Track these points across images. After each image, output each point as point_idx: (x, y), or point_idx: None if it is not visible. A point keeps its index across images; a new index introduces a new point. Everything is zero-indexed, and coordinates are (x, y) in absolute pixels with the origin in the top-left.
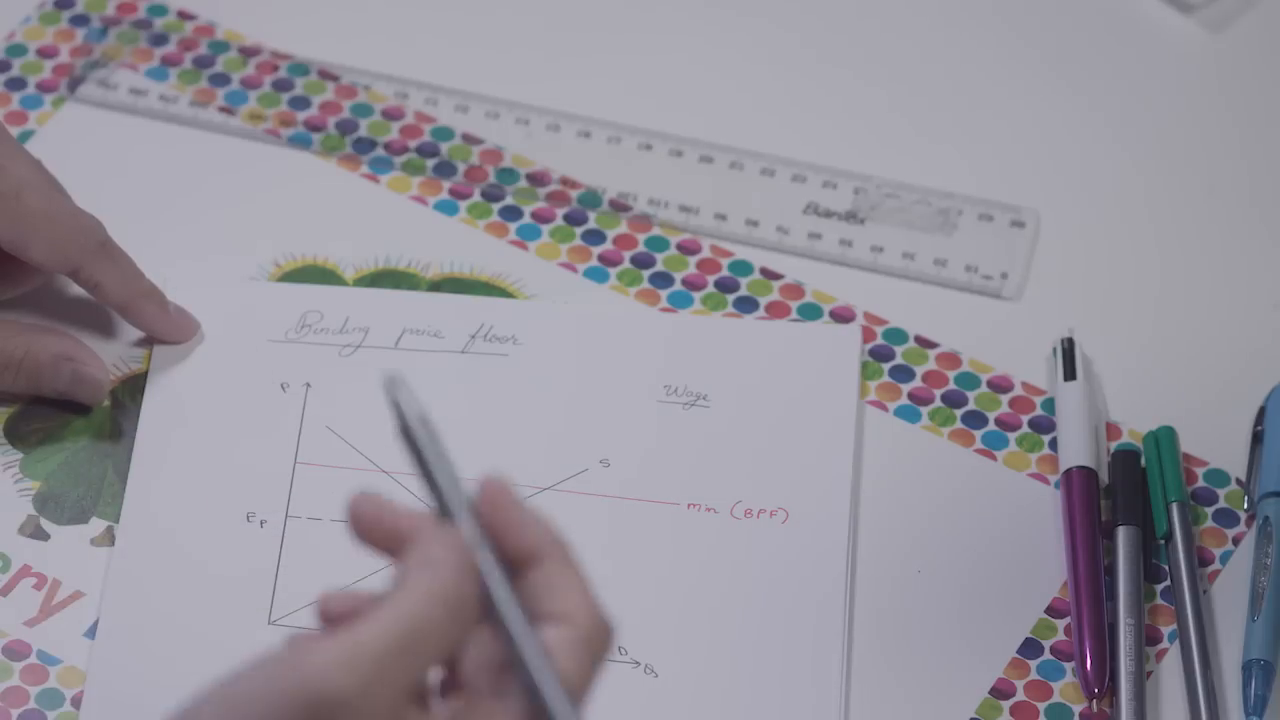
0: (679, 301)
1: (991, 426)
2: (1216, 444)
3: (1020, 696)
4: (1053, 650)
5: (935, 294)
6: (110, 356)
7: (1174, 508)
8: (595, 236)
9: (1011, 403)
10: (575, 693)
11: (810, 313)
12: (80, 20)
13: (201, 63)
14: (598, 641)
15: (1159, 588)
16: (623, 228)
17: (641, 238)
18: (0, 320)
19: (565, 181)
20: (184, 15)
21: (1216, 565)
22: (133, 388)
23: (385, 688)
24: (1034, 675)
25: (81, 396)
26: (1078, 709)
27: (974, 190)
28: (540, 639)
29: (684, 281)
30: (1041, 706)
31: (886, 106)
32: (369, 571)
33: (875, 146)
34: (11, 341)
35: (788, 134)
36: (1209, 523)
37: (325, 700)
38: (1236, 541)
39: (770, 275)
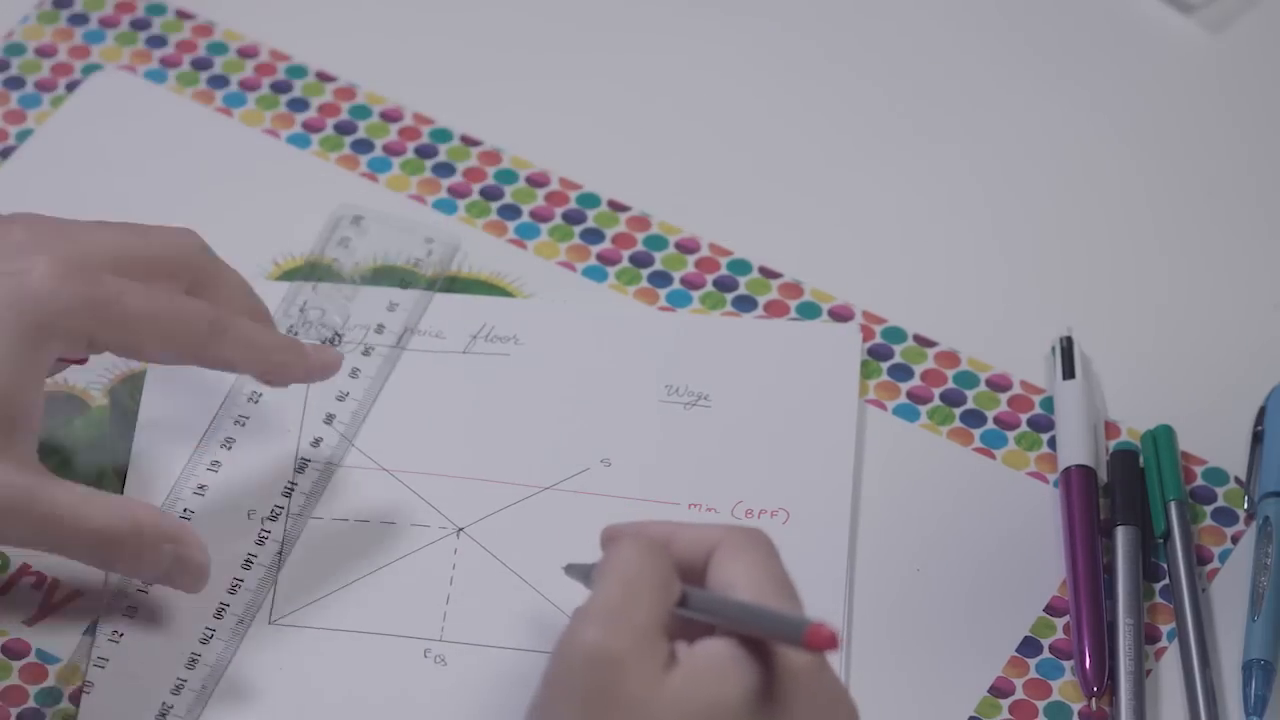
0: (677, 300)
1: (990, 425)
2: (1215, 443)
3: (1019, 695)
4: (1052, 649)
5: (934, 291)
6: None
7: (1172, 506)
8: (594, 235)
9: (1010, 401)
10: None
11: (809, 311)
12: (79, 19)
13: (200, 64)
14: (745, 537)
15: (1158, 586)
16: (621, 226)
17: (640, 236)
18: (95, 492)
19: (564, 182)
20: (182, 15)
21: (1215, 564)
22: (132, 387)
23: (621, 629)
24: (1033, 674)
25: (182, 584)
26: (1077, 708)
27: (978, 188)
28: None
29: (682, 280)
30: (1041, 705)
31: (886, 106)
32: (368, 570)
33: (874, 144)
34: (116, 515)
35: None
36: (1208, 521)
37: (588, 654)
38: (1235, 540)
39: (769, 274)
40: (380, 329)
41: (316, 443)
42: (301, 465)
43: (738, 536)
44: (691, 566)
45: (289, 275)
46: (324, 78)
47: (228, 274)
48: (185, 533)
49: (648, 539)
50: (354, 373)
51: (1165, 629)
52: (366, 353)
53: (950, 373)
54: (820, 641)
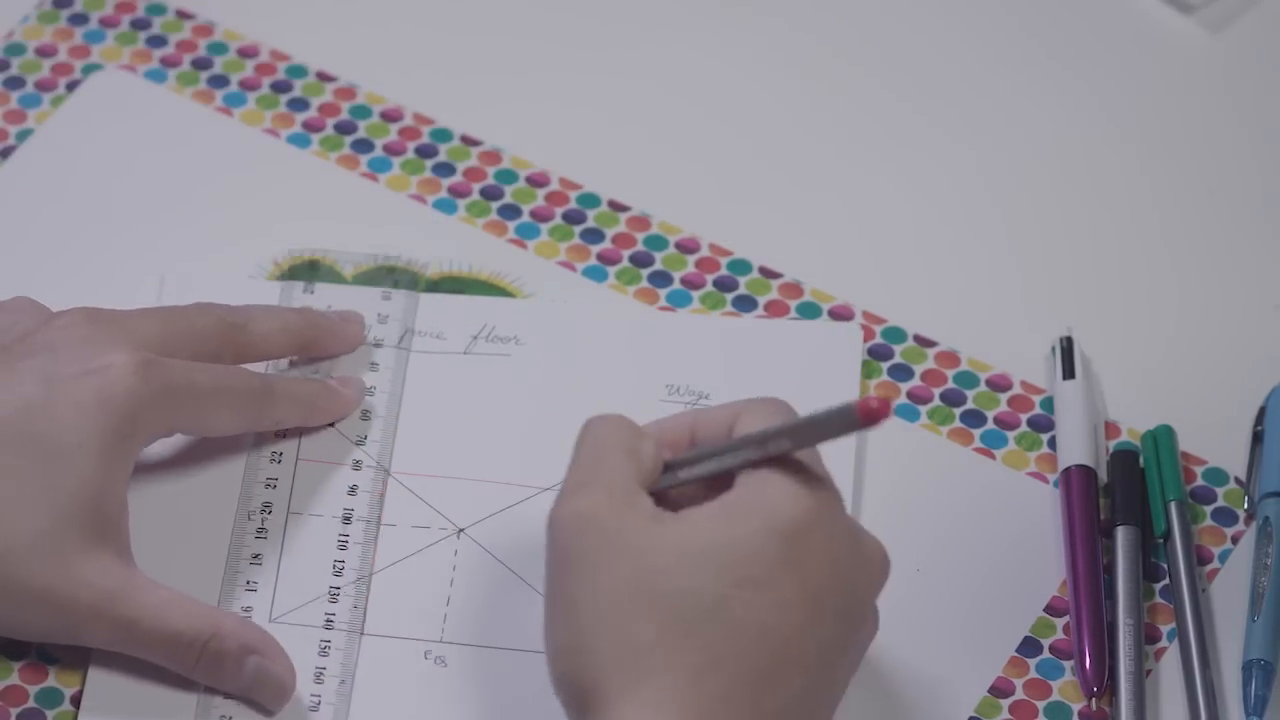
0: (677, 300)
1: (990, 425)
2: (1216, 443)
3: (1020, 695)
4: (1052, 649)
5: (934, 291)
6: None
7: (1172, 506)
8: (594, 235)
9: (1010, 401)
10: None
11: (809, 311)
12: (79, 19)
13: (200, 64)
14: (764, 402)
15: (1158, 586)
16: (621, 226)
17: (640, 236)
18: (181, 597)
19: (565, 182)
20: (182, 15)
21: (1215, 564)
22: None
23: (592, 491)
24: (1033, 674)
25: (262, 698)
26: (1077, 708)
27: (978, 187)
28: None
29: (682, 280)
30: (1041, 705)
31: (886, 106)
32: (369, 571)
33: (875, 144)
34: (199, 619)
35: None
36: (1208, 521)
37: (564, 523)
38: (1235, 540)
39: (769, 274)
40: (379, 341)
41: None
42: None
43: (756, 403)
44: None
45: (288, 274)
46: (324, 78)
47: (256, 324)
48: (270, 646)
49: (618, 417)
50: (373, 365)
51: (1165, 629)
52: (373, 367)
53: (950, 373)
54: (874, 412)
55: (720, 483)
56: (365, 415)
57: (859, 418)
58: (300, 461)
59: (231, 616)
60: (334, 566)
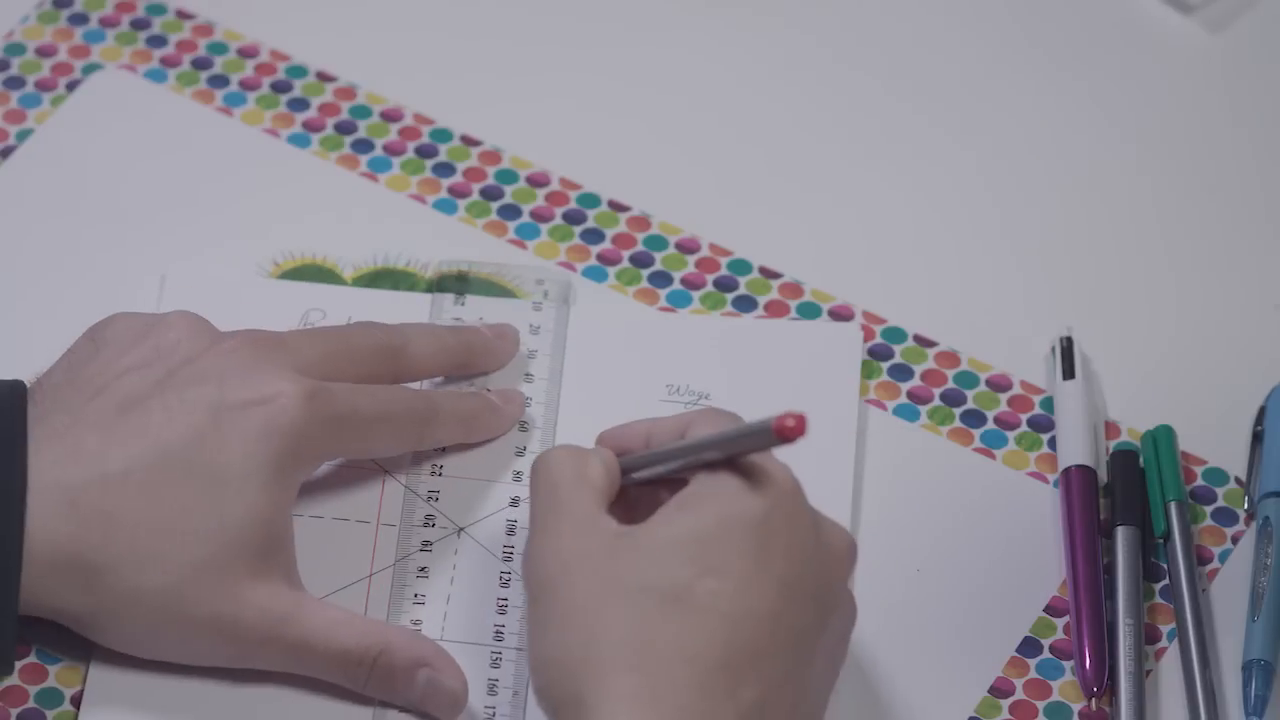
0: (677, 301)
1: (990, 425)
2: (1215, 443)
3: (1019, 695)
4: (1052, 649)
5: (934, 291)
6: None
7: (1172, 507)
8: (594, 235)
9: (1010, 401)
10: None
11: (809, 311)
12: (79, 19)
13: (200, 64)
14: (714, 412)
15: (1158, 587)
16: (621, 226)
17: (640, 236)
18: (349, 615)
19: (565, 182)
20: (182, 15)
21: (1215, 564)
22: None
23: (556, 534)
24: (1033, 674)
25: (436, 711)
26: (1077, 708)
27: (978, 187)
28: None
29: (682, 280)
30: (1041, 705)
31: (886, 106)
32: (369, 571)
33: (875, 144)
34: (368, 636)
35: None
36: (1208, 521)
37: (538, 574)
38: (1235, 540)
39: (769, 274)
40: (532, 353)
41: (518, 477)
42: (515, 500)
43: (707, 412)
44: None
45: (288, 275)
46: (324, 78)
47: (414, 345)
48: (441, 658)
49: (562, 448)
50: (527, 376)
51: (1165, 629)
52: (532, 355)
53: (950, 373)
54: (790, 430)
55: (678, 490)
56: (523, 426)
57: (774, 435)
58: (461, 474)
59: (401, 631)
60: (500, 578)
